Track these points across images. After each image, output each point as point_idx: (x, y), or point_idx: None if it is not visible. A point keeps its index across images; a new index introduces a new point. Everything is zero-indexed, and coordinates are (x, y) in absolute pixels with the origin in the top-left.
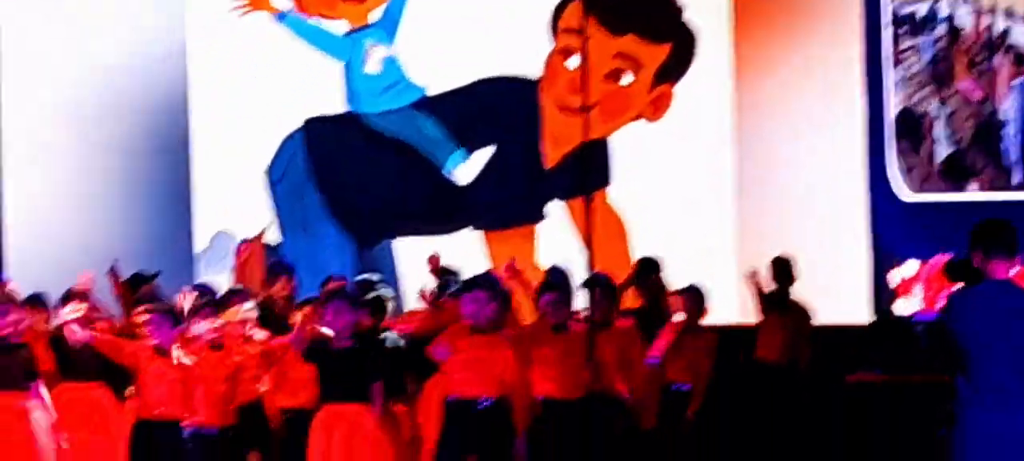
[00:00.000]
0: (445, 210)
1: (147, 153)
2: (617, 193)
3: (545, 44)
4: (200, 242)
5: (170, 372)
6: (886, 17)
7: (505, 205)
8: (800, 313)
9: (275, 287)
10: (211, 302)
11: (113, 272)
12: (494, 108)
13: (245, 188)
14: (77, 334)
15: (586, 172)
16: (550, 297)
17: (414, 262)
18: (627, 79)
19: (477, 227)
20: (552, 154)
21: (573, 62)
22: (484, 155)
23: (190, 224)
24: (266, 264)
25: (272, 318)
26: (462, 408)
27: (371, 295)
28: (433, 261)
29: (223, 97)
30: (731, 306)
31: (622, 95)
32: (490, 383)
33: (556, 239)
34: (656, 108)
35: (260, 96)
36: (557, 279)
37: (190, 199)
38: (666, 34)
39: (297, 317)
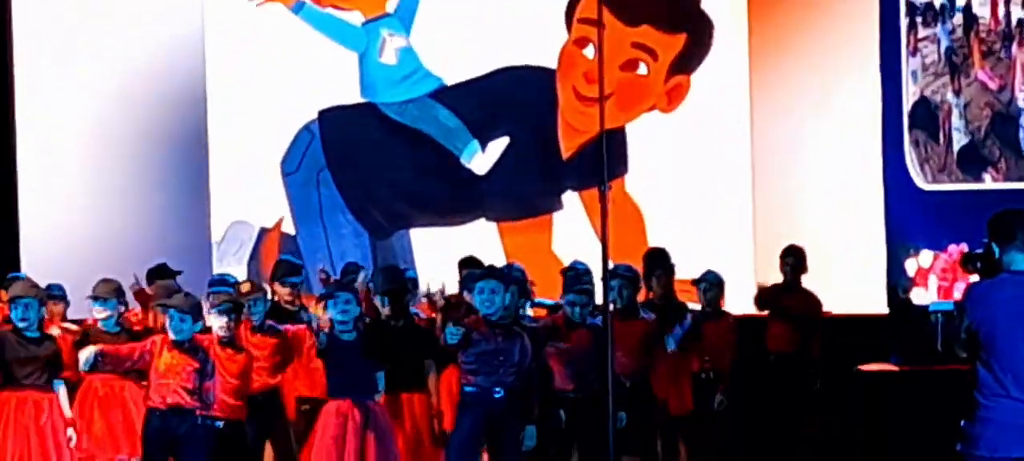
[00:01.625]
0: (462, 200)
1: (164, 144)
2: (633, 183)
3: (562, 33)
4: (216, 232)
5: (183, 363)
6: (903, 6)
7: (522, 195)
8: (810, 302)
9: (279, 287)
10: (225, 297)
11: (138, 287)
12: (511, 98)
13: (261, 179)
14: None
15: (603, 162)
16: (570, 295)
17: (431, 253)
18: (643, 69)
19: (494, 218)
20: (569, 144)
21: (589, 52)
22: (500, 145)
23: (207, 215)
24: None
25: (280, 312)
26: (477, 398)
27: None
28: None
29: (240, 87)
30: (746, 296)
31: (638, 85)
32: (505, 374)
33: (573, 230)
34: (671, 99)
35: (276, 87)
36: (575, 277)
37: (207, 190)
38: (682, 24)
39: (320, 311)
